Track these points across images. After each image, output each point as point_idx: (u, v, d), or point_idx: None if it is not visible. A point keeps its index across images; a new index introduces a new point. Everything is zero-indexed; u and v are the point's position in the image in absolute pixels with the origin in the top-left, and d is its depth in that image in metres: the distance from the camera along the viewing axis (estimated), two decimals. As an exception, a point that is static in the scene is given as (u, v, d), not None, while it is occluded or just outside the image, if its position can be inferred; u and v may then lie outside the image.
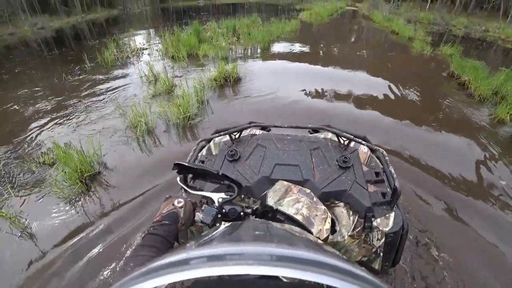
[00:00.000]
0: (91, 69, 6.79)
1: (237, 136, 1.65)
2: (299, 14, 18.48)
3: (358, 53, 9.04)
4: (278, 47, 8.79)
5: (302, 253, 0.44)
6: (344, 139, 1.56)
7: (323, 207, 1.20)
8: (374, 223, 1.25)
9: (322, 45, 9.86)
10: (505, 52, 12.10)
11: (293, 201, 1.19)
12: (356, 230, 1.28)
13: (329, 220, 1.17)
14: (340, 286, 0.37)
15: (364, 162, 1.54)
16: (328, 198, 1.34)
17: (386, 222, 1.24)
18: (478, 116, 4.70)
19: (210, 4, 36.33)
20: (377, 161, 1.54)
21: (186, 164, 1.03)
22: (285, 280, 0.53)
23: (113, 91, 5.33)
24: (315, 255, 0.43)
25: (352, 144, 1.59)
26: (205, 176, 1.10)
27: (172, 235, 0.85)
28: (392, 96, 5.42)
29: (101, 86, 5.65)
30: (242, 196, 1.37)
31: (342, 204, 1.33)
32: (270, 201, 1.20)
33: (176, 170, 1.07)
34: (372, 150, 1.57)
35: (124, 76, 6.17)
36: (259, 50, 8.15)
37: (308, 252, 0.44)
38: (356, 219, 1.28)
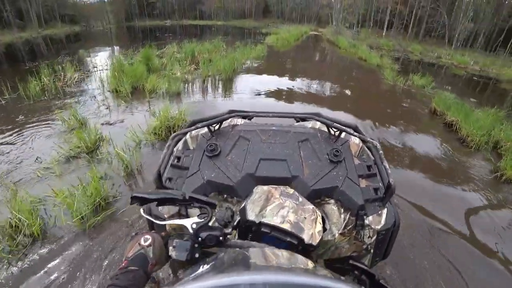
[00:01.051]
0: (7, 103, 5.11)
1: (216, 127, 1.43)
2: (266, 38, 17.90)
3: (333, 87, 8.16)
4: (244, 80, 7.56)
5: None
6: (335, 129, 1.39)
7: (311, 206, 1.09)
8: (366, 221, 1.17)
9: (292, 77, 8.71)
10: (464, 80, 12.28)
11: (277, 208, 1.07)
12: (347, 228, 1.19)
13: (319, 219, 1.06)
14: None
15: (356, 154, 1.42)
16: (319, 196, 1.22)
17: (378, 220, 1.17)
18: (480, 173, 3.84)
19: (177, 24, 35.56)
20: (369, 153, 1.40)
21: (145, 196, 0.88)
22: None
23: (11, 146, 3.72)
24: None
25: (343, 135, 1.41)
26: (170, 201, 0.92)
27: (139, 283, 0.74)
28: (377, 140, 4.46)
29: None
30: (225, 196, 1.23)
31: (333, 201, 1.22)
32: (251, 215, 1.04)
33: (136, 203, 0.90)
34: (364, 142, 1.43)
35: (39, 120, 4.56)
36: (220, 84, 6.90)
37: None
38: (347, 217, 1.19)
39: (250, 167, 1.24)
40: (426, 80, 8.49)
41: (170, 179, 1.25)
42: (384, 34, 30.12)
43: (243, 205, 1.12)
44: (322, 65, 11.70)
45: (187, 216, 1.12)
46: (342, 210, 1.21)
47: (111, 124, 4.35)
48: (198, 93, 6.13)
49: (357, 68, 11.47)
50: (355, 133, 1.39)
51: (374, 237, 1.19)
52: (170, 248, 0.85)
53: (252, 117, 1.62)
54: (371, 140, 1.39)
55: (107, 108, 4.97)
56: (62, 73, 6.54)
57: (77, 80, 6.53)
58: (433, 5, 29.97)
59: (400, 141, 4.58)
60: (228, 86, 6.71)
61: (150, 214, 1.10)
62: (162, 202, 0.95)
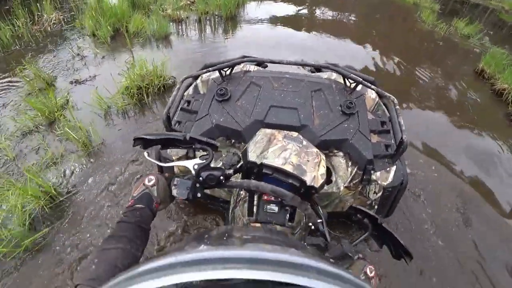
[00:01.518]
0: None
1: (228, 72, 1.39)
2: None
3: (358, 32, 6.70)
4: (250, 15, 6.13)
5: (291, 257, 0.41)
6: (351, 81, 1.33)
7: (315, 149, 1.09)
8: (373, 177, 1.16)
9: (310, 13, 7.26)
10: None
11: (279, 150, 1.04)
12: (353, 182, 1.18)
13: (323, 163, 1.04)
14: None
15: (370, 109, 1.39)
16: (327, 147, 1.20)
17: (385, 176, 1.16)
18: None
19: None
20: (385, 109, 1.36)
21: (147, 137, 0.88)
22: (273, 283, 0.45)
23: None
24: (305, 259, 0.41)
25: (359, 87, 1.38)
26: (171, 143, 0.92)
27: (146, 219, 0.79)
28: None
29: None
30: (233, 141, 1.23)
31: (341, 154, 1.22)
32: (252, 156, 1.03)
33: (139, 146, 0.90)
34: (380, 96, 1.36)
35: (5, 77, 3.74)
36: (221, 22, 5.59)
37: (297, 256, 0.42)
38: (354, 171, 1.18)
39: (260, 114, 1.20)
40: (472, 29, 6.88)
41: (179, 122, 1.22)
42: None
43: (244, 147, 1.11)
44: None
45: (194, 157, 1.10)
46: (350, 163, 1.18)
47: (81, 83, 3.51)
48: (191, 36, 5.00)
49: (389, 4, 9.55)
50: (373, 86, 1.30)
51: (380, 194, 1.15)
52: (173, 187, 0.87)
53: (266, 65, 1.55)
54: (388, 95, 1.29)
55: (81, 59, 4.06)
56: (37, 14, 5.42)
57: (55, 22, 5.43)
58: None
59: (431, 114, 3.66)
60: (229, 26, 5.46)
61: (159, 158, 1.10)
62: (164, 144, 0.92)
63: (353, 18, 7.39)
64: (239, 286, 0.43)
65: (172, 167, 1.02)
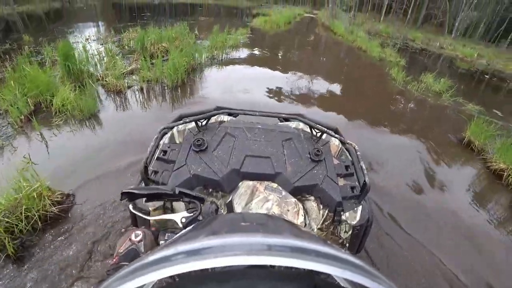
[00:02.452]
0: None
1: (204, 123, 1.42)
2: (253, 20, 15.44)
3: (324, 95, 6.25)
4: (204, 81, 5.35)
5: (291, 241, 0.43)
6: (317, 130, 1.44)
7: (293, 199, 1.16)
8: (343, 217, 1.21)
9: (270, 78, 6.38)
10: (477, 79, 10.36)
11: (262, 201, 1.12)
12: (325, 224, 1.23)
13: (301, 212, 1.13)
14: (332, 272, 0.37)
15: (335, 155, 1.47)
16: (300, 192, 1.25)
17: (353, 216, 1.20)
18: None
19: (166, 2, 32.08)
20: (347, 154, 1.41)
21: (135, 192, 0.87)
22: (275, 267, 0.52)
23: None
24: (305, 243, 0.42)
25: (324, 135, 1.47)
26: (159, 196, 0.91)
27: None
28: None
29: None
30: (210, 190, 1.23)
31: (312, 198, 1.26)
32: (238, 208, 1.11)
33: (126, 199, 0.89)
34: (343, 143, 1.45)
35: None
36: (166, 93, 4.61)
37: (298, 240, 0.43)
38: (326, 213, 1.23)
39: (236, 163, 1.23)
40: (442, 85, 6.62)
41: (155, 172, 1.21)
42: (381, 19, 27.67)
43: (229, 199, 1.16)
44: (314, 58, 9.58)
45: (172, 209, 1.11)
46: (321, 207, 1.23)
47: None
48: (129, 111, 4.00)
49: (357, 62, 9.42)
50: (336, 135, 1.41)
51: (350, 232, 1.18)
52: (162, 242, 0.87)
53: (238, 115, 1.60)
54: (350, 142, 1.38)
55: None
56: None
57: None
58: (434, -11, 27.51)
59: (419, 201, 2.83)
60: (178, 96, 4.60)
61: (135, 208, 1.04)
62: (151, 197, 0.92)
63: (321, 78, 6.91)
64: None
65: (149, 220, 0.96)
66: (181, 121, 1.35)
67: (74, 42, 7.09)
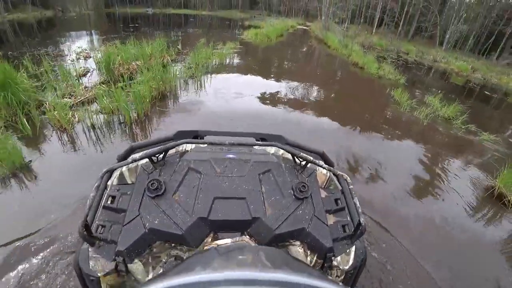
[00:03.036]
0: None
1: (160, 156, 1.11)
2: (245, 33, 14.64)
3: (319, 130, 5.33)
4: (171, 113, 4.29)
5: (283, 275, 0.42)
6: (300, 159, 1.15)
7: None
8: (334, 262, 1.02)
9: (254, 101, 5.48)
10: (480, 98, 9.60)
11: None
12: None
13: None
14: None
15: (323, 185, 1.23)
16: (283, 240, 1.03)
17: (346, 259, 1.04)
18: None
19: (160, 13, 31.42)
20: (336, 182, 1.23)
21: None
22: None
23: None
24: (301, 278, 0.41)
25: (309, 164, 1.21)
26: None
27: None
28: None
29: None
30: (173, 244, 0.99)
31: (298, 242, 1.04)
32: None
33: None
34: (334, 175, 1.21)
35: None
36: (120, 128, 3.62)
37: (292, 275, 0.42)
38: (314, 259, 1.03)
39: (202, 210, 0.99)
40: (452, 110, 5.78)
41: (103, 226, 0.96)
42: (374, 31, 27.36)
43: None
44: (306, 75, 8.76)
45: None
46: (309, 252, 1.05)
47: None
48: (65, 160, 2.94)
49: (355, 82, 8.58)
50: (324, 165, 1.16)
51: (342, 277, 1.06)
52: None
53: (202, 137, 1.37)
54: (341, 173, 1.16)
55: None
56: None
57: None
58: (425, 3, 27.46)
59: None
60: (135, 133, 3.59)
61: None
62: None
63: (321, 112, 6.00)
64: None
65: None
66: (130, 159, 1.04)
67: (51, 55, 6.18)
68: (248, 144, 1.22)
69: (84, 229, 0.84)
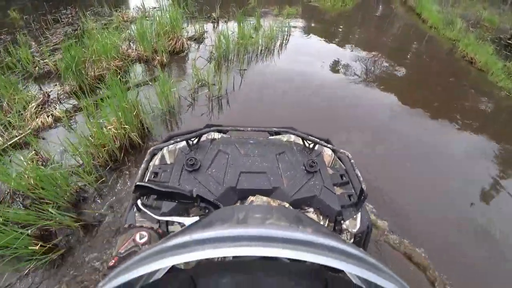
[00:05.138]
0: None
1: (195, 141, 1.31)
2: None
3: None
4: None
5: (306, 235, 0.42)
6: (309, 142, 1.38)
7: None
8: (344, 226, 1.17)
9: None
10: None
11: None
12: None
13: None
14: (346, 268, 0.37)
15: (329, 165, 1.42)
16: (299, 205, 1.18)
17: (354, 223, 1.18)
18: None
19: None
20: (340, 163, 1.42)
21: (153, 187, 0.85)
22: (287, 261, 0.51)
23: None
24: (320, 238, 0.41)
25: (317, 147, 1.41)
26: (173, 197, 0.91)
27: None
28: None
29: None
30: (207, 210, 1.08)
31: (312, 209, 1.18)
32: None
33: (138, 193, 0.89)
34: (335, 152, 1.43)
35: None
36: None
37: (313, 235, 0.42)
38: (326, 223, 1.17)
39: (231, 181, 1.17)
40: None
41: (147, 197, 1.10)
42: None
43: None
44: (403, 65, 5.52)
45: (187, 214, 1.04)
46: (321, 217, 1.17)
47: None
48: None
49: (476, 108, 5.15)
50: (329, 145, 1.38)
51: (351, 240, 1.16)
52: None
53: (228, 131, 1.53)
54: (343, 150, 1.36)
55: None
56: None
57: None
58: None
59: None
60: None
61: (145, 206, 1.01)
62: (164, 196, 0.89)
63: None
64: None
65: (156, 220, 0.94)
66: (172, 141, 1.28)
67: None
68: (266, 130, 1.47)
69: (136, 192, 0.92)
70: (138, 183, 0.83)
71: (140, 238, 0.71)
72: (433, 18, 9.76)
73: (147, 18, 5.33)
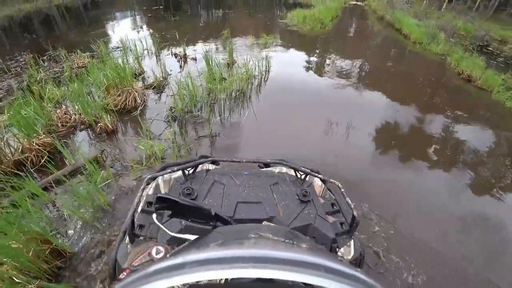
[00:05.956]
0: None
1: (191, 171, 1.29)
2: (289, 15, 10.20)
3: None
4: None
5: (304, 256, 0.40)
6: (301, 173, 1.39)
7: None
8: (339, 253, 1.15)
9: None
10: None
11: None
12: None
13: None
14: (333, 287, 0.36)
15: (320, 194, 1.41)
16: None
17: (348, 250, 1.16)
18: None
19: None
20: (329, 193, 1.42)
21: (177, 200, 0.84)
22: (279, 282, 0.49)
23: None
24: (314, 258, 0.40)
25: (308, 177, 1.43)
26: (187, 214, 0.90)
27: None
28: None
29: None
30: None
31: (308, 238, 1.14)
32: None
33: (157, 206, 0.85)
34: (325, 182, 1.43)
35: None
36: None
37: (311, 256, 0.41)
38: None
39: (228, 211, 1.15)
40: None
41: (141, 226, 1.05)
42: (444, 7, 20.31)
43: None
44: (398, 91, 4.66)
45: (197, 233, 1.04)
46: (318, 245, 1.18)
47: None
48: None
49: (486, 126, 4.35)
50: (320, 176, 1.39)
51: None
52: None
53: (218, 163, 1.52)
54: (333, 180, 1.36)
55: None
56: None
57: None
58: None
59: None
60: None
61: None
62: (184, 212, 0.89)
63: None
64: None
65: (170, 236, 0.92)
66: (169, 170, 1.23)
67: None
68: (260, 162, 1.45)
69: (131, 227, 0.92)
70: (159, 195, 0.80)
71: (157, 253, 0.72)
72: (415, 33, 9.35)
73: (103, 62, 4.35)
